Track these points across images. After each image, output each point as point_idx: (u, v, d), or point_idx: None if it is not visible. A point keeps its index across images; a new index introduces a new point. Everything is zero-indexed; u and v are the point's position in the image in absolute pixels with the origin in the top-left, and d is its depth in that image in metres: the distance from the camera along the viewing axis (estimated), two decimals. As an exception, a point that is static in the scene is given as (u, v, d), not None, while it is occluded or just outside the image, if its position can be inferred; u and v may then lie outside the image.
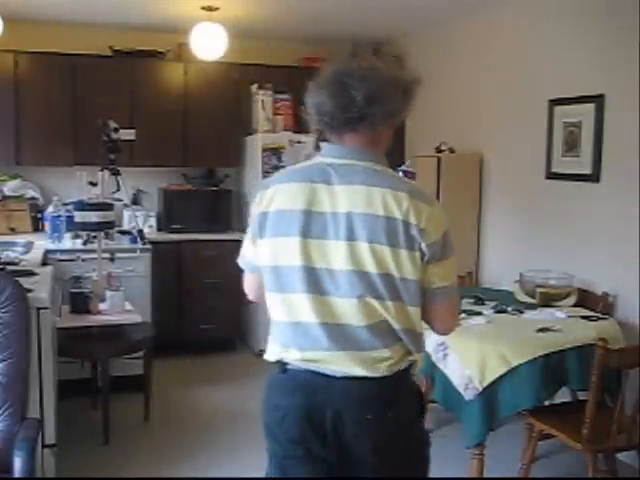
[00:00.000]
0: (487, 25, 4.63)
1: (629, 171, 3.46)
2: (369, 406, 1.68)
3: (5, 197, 5.06)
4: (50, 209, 4.85)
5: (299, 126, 5.35)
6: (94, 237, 4.16)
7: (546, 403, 3.10)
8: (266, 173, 5.09)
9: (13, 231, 4.97)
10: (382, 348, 1.68)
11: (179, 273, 5.17)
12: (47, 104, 5.03)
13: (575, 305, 3.53)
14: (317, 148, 5.15)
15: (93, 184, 4.10)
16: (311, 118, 1.77)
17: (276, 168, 5.10)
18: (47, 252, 4.31)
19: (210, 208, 5.42)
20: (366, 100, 1.66)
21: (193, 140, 5.37)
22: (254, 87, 5.33)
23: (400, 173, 2.40)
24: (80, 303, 3.88)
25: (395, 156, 4.85)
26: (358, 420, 1.68)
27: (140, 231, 4.52)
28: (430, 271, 1.68)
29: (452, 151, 4.76)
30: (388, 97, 1.68)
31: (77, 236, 4.56)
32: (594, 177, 3.69)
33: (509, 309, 3.45)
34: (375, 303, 1.66)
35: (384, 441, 1.71)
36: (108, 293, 3.92)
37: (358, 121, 1.70)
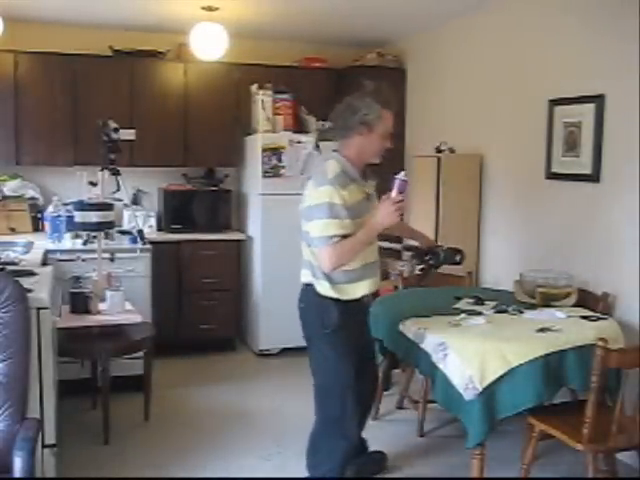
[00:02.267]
0: (487, 26, 4.63)
1: (629, 171, 3.46)
2: (299, 299, 3.06)
3: (5, 197, 5.06)
4: (50, 209, 4.84)
5: (299, 126, 5.36)
6: (94, 237, 4.17)
7: (546, 403, 3.10)
8: (266, 173, 5.09)
9: (13, 231, 4.98)
10: (305, 270, 2.99)
11: (179, 273, 5.17)
12: (47, 104, 5.03)
13: (575, 305, 3.52)
14: (317, 148, 5.16)
15: (93, 184, 4.10)
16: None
17: (276, 168, 5.10)
18: (47, 252, 4.30)
19: (210, 208, 5.41)
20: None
21: (193, 140, 5.37)
22: (254, 87, 5.32)
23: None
24: (80, 303, 3.88)
25: (396, 156, 4.92)
26: (299, 307, 3.06)
27: (140, 231, 4.52)
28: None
29: (452, 151, 4.76)
30: (344, 119, 2.87)
31: (77, 236, 4.57)
32: (594, 177, 3.69)
33: (509, 309, 3.44)
34: (305, 246, 2.97)
35: (302, 322, 3.05)
36: (108, 293, 3.92)
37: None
